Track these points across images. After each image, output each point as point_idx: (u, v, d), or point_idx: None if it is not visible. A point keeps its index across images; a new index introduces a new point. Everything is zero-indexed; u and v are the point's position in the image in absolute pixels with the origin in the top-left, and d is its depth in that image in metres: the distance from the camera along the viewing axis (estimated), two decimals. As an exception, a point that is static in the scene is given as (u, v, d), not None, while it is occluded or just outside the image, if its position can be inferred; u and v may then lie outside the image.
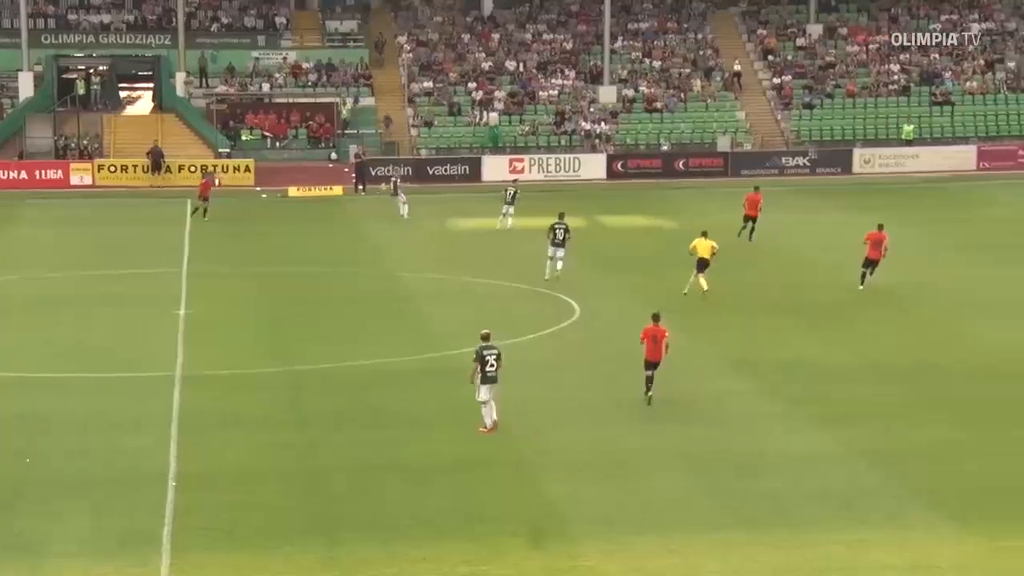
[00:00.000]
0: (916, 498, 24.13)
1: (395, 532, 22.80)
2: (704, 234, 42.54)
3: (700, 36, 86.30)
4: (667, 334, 30.09)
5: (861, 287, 42.25)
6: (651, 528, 22.91)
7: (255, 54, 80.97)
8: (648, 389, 30.10)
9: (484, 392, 27.92)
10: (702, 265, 42.10)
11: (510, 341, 36.41)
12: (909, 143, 77.51)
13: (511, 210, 55.80)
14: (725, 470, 25.87)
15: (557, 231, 44.27)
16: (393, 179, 62.80)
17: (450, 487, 25.03)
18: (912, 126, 78.34)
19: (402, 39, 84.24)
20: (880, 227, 42.99)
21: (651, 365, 30.15)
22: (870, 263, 42.41)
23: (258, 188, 69.55)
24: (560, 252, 44.19)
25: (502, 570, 21.31)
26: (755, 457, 26.60)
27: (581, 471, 25.95)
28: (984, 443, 27.23)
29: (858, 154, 76.43)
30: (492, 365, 27.69)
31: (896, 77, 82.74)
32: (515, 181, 61.49)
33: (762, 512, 23.59)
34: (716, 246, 42.05)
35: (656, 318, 30.41)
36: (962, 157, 76.02)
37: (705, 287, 41.39)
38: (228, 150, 73.67)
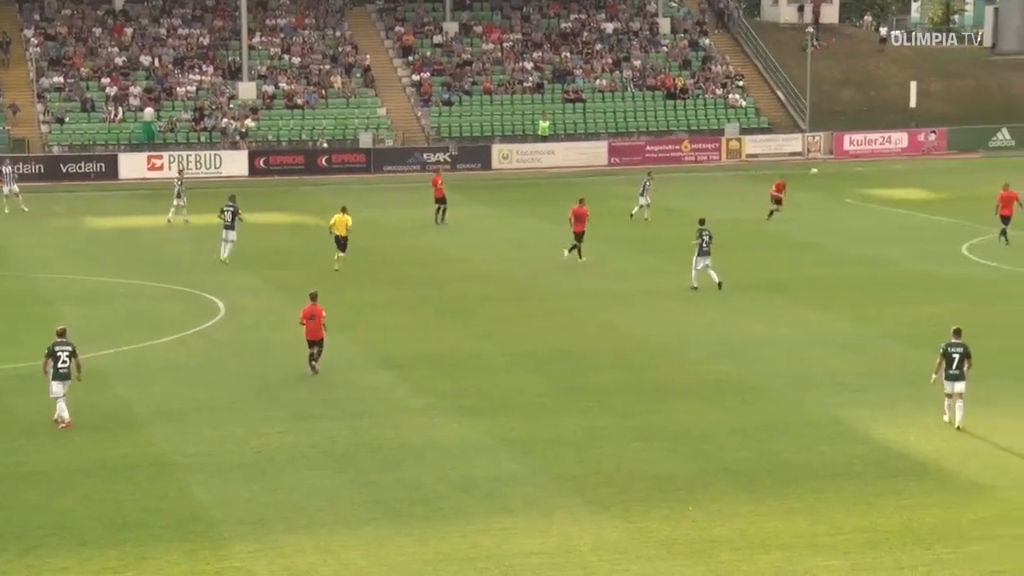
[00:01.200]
0: (557, 484, 24.78)
1: (31, 541, 21.99)
2: (343, 209, 44.88)
3: (339, 33, 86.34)
4: (323, 313, 32.06)
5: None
6: (300, 526, 22.80)
7: None
8: (312, 364, 32.11)
9: (56, 388, 28.10)
10: (340, 243, 43.95)
11: (155, 342, 35.62)
12: (545, 139, 79.56)
13: (181, 202, 55.56)
14: (372, 464, 25.99)
15: (225, 212, 46.95)
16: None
17: (91, 492, 24.31)
18: (547, 122, 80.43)
19: (28, 32, 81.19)
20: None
21: (313, 344, 32.14)
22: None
23: None
24: (231, 235, 46.72)
25: (148, 576, 20.86)
26: (402, 450, 26.82)
27: (229, 471, 25.62)
28: (620, 428, 28.18)
29: (497, 150, 77.99)
30: (64, 362, 28.00)
31: (530, 75, 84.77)
32: (181, 172, 62.48)
33: (409, 504, 23.79)
34: (350, 222, 44.79)
35: (314, 297, 32.35)
36: (595, 152, 78.52)
37: (337, 267, 43.90)
38: None
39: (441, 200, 55.94)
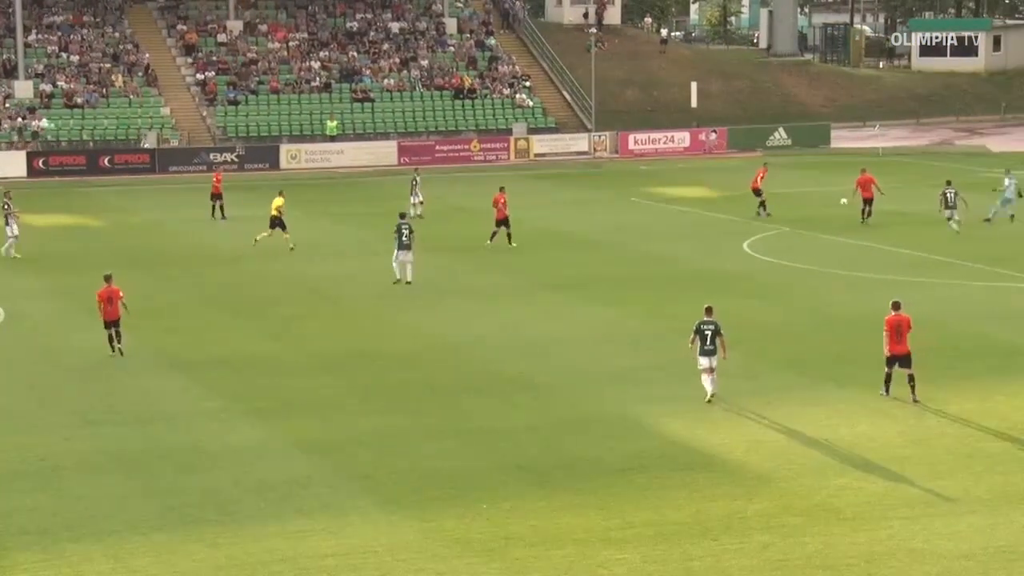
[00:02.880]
0: (352, 485, 24.65)
1: None
2: (280, 192, 48.84)
3: (119, 31, 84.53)
4: (121, 293, 32.83)
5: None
6: (88, 534, 22.24)
7: None
8: (114, 346, 33.15)
9: None
10: (274, 222, 48.00)
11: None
12: (333, 139, 79.11)
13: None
14: (163, 469, 25.50)
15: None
16: None
17: None
18: (335, 122, 80.00)
19: None
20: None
21: (110, 324, 32.85)
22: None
23: None
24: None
25: (-72, 591, 20.13)
26: (194, 454, 26.38)
27: (12, 481, 24.86)
28: (414, 428, 28.16)
29: (285, 150, 77.27)
30: None
31: (317, 74, 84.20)
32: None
33: (201, 509, 23.41)
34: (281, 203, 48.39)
35: (108, 279, 33.05)
36: (384, 152, 78.38)
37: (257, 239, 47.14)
38: None
39: (218, 196, 57.18)
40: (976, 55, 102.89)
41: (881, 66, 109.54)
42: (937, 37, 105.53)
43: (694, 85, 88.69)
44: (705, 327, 29.20)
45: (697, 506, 23.45)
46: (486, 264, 46.94)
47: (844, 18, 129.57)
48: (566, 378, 32.06)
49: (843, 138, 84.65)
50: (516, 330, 37.04)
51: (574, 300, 40.80)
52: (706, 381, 29.35)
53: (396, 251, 42.75)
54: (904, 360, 29.13)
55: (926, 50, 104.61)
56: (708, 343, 29.09)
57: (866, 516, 22.86)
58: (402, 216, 43.97)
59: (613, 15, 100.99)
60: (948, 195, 51.09)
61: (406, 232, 42.50)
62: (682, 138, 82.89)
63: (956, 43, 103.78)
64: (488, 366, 33.27)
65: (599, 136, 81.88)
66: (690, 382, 31.05)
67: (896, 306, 29.25)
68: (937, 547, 21.55)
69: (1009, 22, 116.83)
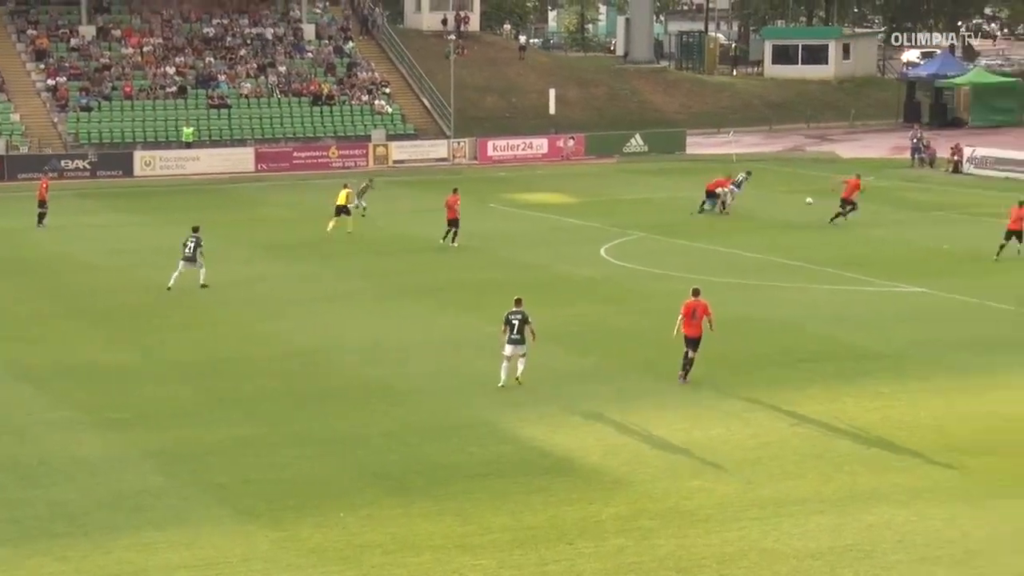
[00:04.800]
0: (206, 496, 24.31)
1: None
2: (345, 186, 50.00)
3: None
4: None
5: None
6: (-68, 551, 21.66)
7: None
8: None
9: None
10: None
11: None
12: (189, 145, 78.11)
13: None
14: (10, 482, 24.91)
15: None
16: None
17: None
18: (191, 128, 78.99)
19: None
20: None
21: None
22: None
23: None
24: None
25: None
26: (42, 466, 25.81)
27: None
28: (270, 436, 27.88)
29: (139, 156, 76.06)
30: None
31: (173, 80, 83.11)
32: None
33: (49, 522, 22.91)
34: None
35: None
36: (241, 159, 77.52)
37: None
38: None
39: (42, 203, 55.83)
40: (826, 63, 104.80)
41: (735, 73, 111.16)
42: (789, 45, 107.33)
43: (552, 92, 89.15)
44: (513, 317, 30.68)
45: (554, 511, 23.52)
46: (346, 270, 46.70)
47: (699, 26, 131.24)
48: (425, 384, 31.98)
49: (698, 144, 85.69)
50: (375, 336, 36.87)
51: (433, 306, 40.74)
52: (503, 369, 30.74)
53: (180, 262, 42.73)
54: (693, 343, 30.89)
55: (778, 58, 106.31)
56: (515, 332, 30.60)
57: (719, 517, 23.12)
58: (195, 230, 43.46)
59: (472, 21, 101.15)
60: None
61: (191, 245, 42.54)
62: (540, 144, 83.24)
63: (807, 51, 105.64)
64: (346, 372, 33.07)
65: (458, 142, 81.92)
66: (549, 387, 31.18)
67: (696, 292, 31.29)
68: (787, 547, 21.87)
69: (858, 31, 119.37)
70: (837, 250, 49.31)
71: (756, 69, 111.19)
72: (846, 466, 25.70)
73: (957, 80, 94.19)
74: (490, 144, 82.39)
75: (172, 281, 42.30)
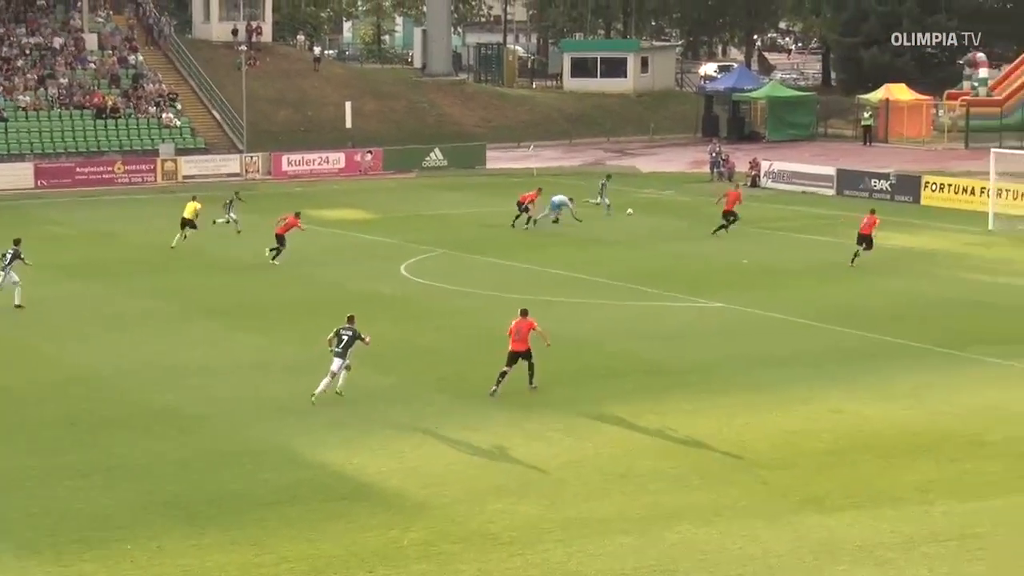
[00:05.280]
0: (-16, 531, 23.59)
1: None
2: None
3: None
4: None
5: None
6: None
7: None
8: None
9: None
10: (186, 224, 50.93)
11: None
12: (-37, 160, 75.81)
13: None
14: None
15: None
16: None
17: None
18: (-34, 142, 76.69)
19: None
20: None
21: None
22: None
23: None
24: None
25: None
26: None
27: None
28: (51, 466, 27.13)
29: (-91, 172, 73.49)
30: None
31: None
32: None
33: None
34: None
35: None
36: (20, 175, 75.39)
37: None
38: None
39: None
40: (625, 76, 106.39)
41: (534, 86, 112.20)
42: (588, 58, 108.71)
43: (348, 105, 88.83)
44: (344, 332, 31.46)
45: (353, 537, 23.36)
46: (136, 289, 45.80)
47: (497, 38, 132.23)
48: (217, 409, 31.51)
49: (498, 159, 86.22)
50: (164, 359, 36.20)
51: (226, 327, 40.18)
52: (323, 383, 31.13)
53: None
54: (525, 355, 32.06)
55: (577, 71, 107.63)
56: (340, 346, 31.27)
57: (522, 540, 23.22)
58: (15, 242, 43.03)
59: (264, 32, 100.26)
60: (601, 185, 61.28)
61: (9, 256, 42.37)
62: (337, 159, 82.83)
63: (606, 64, 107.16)
64: (133, 398, 32.38)
65: (251, 157, 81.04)
66: (349, 408, 31.01)
67: (524, 313, 32.22)
68: (590, 568, 22.06)
69: (656, 44, 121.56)
70: (638, 266, 50.02)
71: (555, 82, 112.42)
72: (649, 485, 26.04)
73: (753, 94, 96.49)
74: (285, 159, 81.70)
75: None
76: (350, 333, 31.43)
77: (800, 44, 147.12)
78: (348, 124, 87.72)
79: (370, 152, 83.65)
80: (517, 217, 58.40)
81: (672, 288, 45.40)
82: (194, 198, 55.63)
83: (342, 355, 31.32)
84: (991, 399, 31.84)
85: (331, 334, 31.58)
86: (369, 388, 32.65)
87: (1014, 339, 37.76)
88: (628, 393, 32.59)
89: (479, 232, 58.67)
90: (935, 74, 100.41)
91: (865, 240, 48.84)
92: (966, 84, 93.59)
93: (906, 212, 61.44)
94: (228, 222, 57.14)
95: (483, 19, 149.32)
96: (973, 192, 62.96)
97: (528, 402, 31.54)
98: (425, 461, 27.57)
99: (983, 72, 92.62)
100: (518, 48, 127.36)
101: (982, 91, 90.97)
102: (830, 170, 71.03)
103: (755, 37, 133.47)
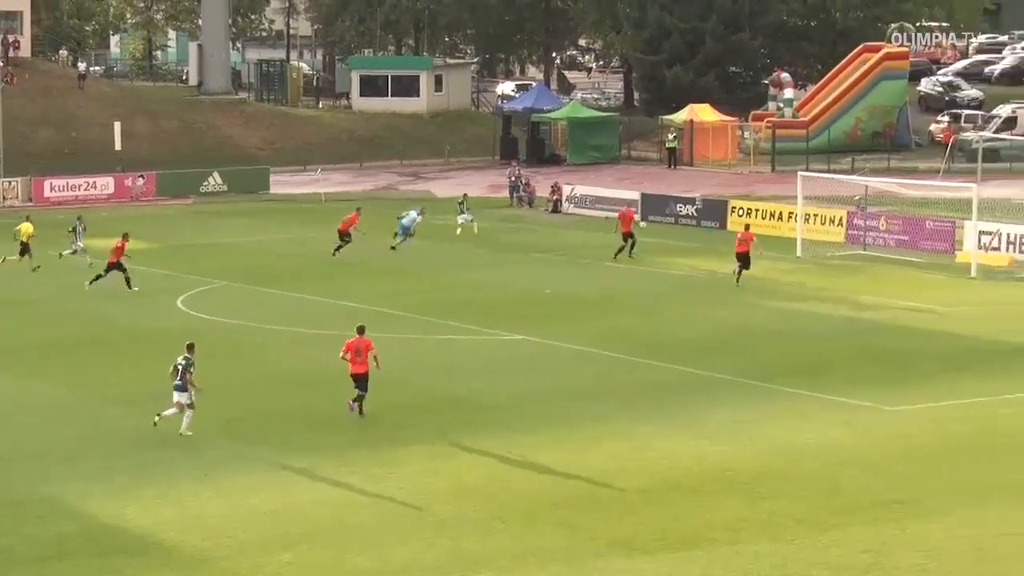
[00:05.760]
0: None
1: None
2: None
3: None
4: None
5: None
6: None
7: None
8: None
9: None
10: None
11: None
12: None
13: None
14: None
15: None
16: None
17: None
18: None
19: None
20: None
21: None
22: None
23: None
24: None
25: None
26: None
27: None
28: None
29: None
30: None
31: None
32: None
33: None
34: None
35: None
36: None
37: None
38: None
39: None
40: (418, 95, 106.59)
41: (320, 106, 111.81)
42: (378, 76, 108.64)
43: (118, 125, 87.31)
44: (179, 363, 31.61)
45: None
46: None
47: (280, 54, 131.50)
48: (-27, 458, 30.64)
49: (284, 183, 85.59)
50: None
51: (-17, 369, 39.15)
52: (170, 411, 31.65)
53: None
54: (361, 382, 32.77)
55: (367, 89, 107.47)
56: (179, 378, 31.46)
57: (314, 593, 23.04)
58: None
59: (23, 46, 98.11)
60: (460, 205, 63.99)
61: None
62: (106, 184, 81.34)
63: (397, 82, 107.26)
64: None
65: (9, 182, 79.14)
66: (119, 454, 30.44)
67: (361, 330, 33.28)
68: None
69: (450, 61, 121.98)
70: (435, 296, 50.02)
71: (343, 101, 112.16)
72: (449, 530, 26.04)
73: (553, 115, 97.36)
74: (47, 183, 79.98)
75: None
76: (185, 362, 31.52)
77: (601, 62, 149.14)
78: (117, 146, 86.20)
79: (142, 176, 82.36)
80: (338, 248, 57.86)
81: (472, 320, 45.42)
82: (27, 218, 56.46)
83: (182, 388, 31.44)
84: (800, 433, 32.59)
85: (171, 366, 31.75)
86: (143, 431, 32.07)
87: (820, 369, 38.70)
88: (429, 433, 32.57)
89: (264, 262, 58.15)
90: (740, 94, 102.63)
91: (742, 258, 50.36)
92: (771, 105, 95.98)
93: (713, 238, 62.65)
94: (75, 252, 55.40)
95: (264, 34, 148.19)
96: (780, 217, 64.47)
97: (316, 444, 31.32)
98: (208, 509, 27.19)
99: (788, 92, 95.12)
100: (303, 65, 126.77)
101: (788, 112, 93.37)
102: (634, 195, 72.03)
103: (554, 55, 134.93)
